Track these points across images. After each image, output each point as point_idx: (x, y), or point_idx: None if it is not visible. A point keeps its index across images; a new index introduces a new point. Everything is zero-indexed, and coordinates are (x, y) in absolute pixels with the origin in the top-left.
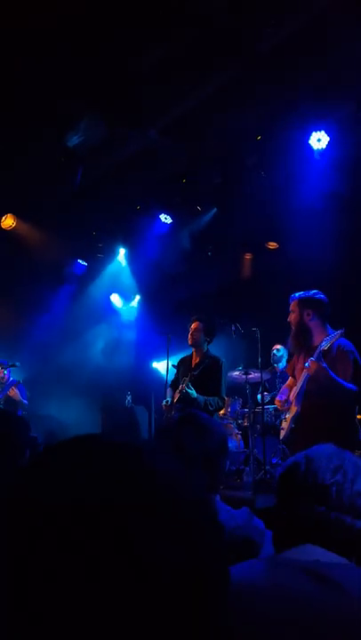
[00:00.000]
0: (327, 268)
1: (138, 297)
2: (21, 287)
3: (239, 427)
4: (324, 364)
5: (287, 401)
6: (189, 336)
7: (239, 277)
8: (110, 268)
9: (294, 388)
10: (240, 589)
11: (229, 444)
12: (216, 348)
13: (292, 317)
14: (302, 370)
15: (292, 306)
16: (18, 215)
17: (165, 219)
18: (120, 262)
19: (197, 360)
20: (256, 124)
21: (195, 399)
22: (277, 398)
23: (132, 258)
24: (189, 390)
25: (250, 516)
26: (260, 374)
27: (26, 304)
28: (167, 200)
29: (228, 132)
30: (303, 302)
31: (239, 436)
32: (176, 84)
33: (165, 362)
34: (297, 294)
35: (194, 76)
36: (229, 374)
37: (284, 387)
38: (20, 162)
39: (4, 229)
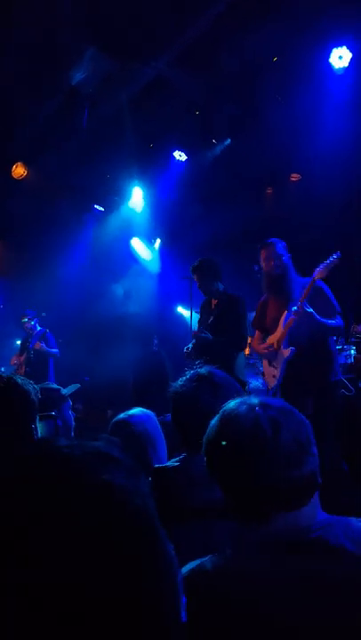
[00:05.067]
0: (354, 198)
1: (159, 240)
2: (39, 238)
3: None
4: (311, 309)
5: (270, 346)
6: (199, 289)
7: (261, 213)
8: (128, 212)
9: (276, 333)
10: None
11: (256, 383)
12: (238, 290)
13: (272, 264)
14: (277, 317)
15: (270, 252)
16: (28, 163)
17: (180, 156)
18: (137, 205)
19: (216, 302)
20: (272, 43)
21: (209, 342)
22: (259, 345)
23: (149, 200)
24: (203, 335)
25: None
26: None
27: (45, 254)
28: (182, 135)
29: (243, 56)
30: (285, 248)
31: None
32: (184, 5)
33: (190, 306)
34: (272, 239)
35: None
36: (251, 315)
37: (253, 339)
38: (23, 106)
39: (15, 179)
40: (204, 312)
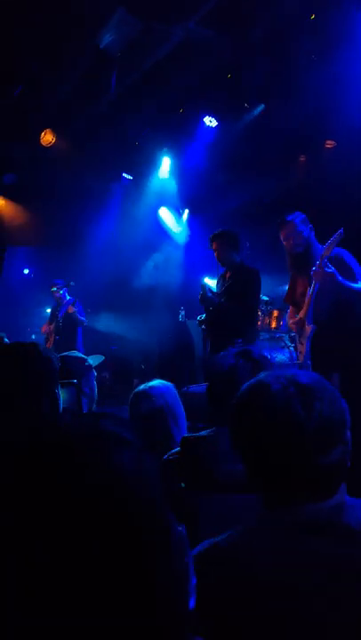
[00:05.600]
0: None
1: (187, 211)
2: (68, 206)
3: (292, 339)
4: (333, 269)
5: (299, 321)
6: (216, 259)
7: (292, 182)
8: (157, 181)
9: (304, 308)
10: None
11: (283, 356)
12: (262, 263)
13: (292, 242)
14: (305, 292)
15: (289, 230)
16: (56, 130)
17: (210, 122)
18: (166, 173)
19: (230, 274)
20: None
21: (215, 306)
22: (290, 320)
23: (177, 167)
24: (208, 295)
25: None
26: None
27: (74, 223)
28: (212, 100)
29: (276, 14)
30: (304, 222)
31: (291, 347)
32: None
33: (216, 277)
34: (290, 217)
35: None
36: (280, 288)
37: (287, 315)
38: (50, 71)
39: (44, 146)
40: (219, 283)
